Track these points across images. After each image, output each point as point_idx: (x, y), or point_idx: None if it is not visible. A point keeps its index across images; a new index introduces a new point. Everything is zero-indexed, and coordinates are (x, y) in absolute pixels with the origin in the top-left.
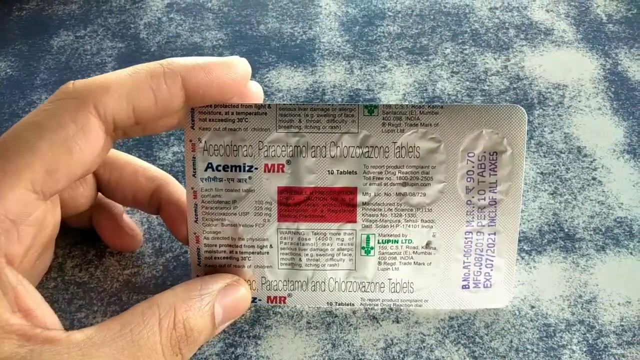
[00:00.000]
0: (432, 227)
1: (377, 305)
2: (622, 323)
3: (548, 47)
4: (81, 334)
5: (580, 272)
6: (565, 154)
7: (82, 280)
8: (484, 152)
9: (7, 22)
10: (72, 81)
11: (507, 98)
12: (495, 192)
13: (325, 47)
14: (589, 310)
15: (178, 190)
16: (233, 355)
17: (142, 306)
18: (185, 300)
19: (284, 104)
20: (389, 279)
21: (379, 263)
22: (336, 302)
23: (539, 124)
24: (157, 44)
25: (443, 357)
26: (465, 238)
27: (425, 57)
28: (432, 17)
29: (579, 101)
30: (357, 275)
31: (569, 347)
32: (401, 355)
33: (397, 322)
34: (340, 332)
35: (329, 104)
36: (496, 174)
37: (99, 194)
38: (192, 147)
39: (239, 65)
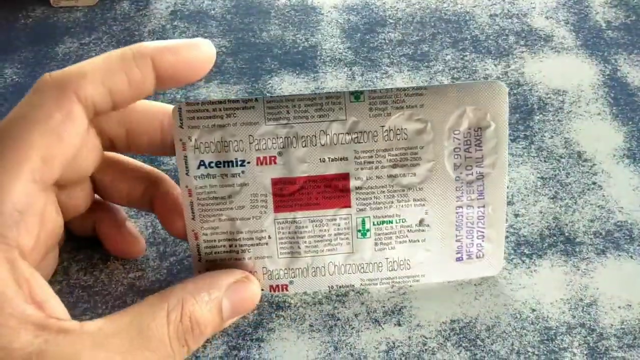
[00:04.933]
0: (424, 205)
1: (377, 284)
2: (622, 326)
3: (548, 53)
4: (93, 324)
5: (580, 275)
6: (565, 158)
7: (86, 284)
8: (469, 129)
9: (14, 30)
10: (48, 73)
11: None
12: (482, 167)
13: (327, 53)
14: (589, 314)
15: (170, 185)
16: (236, 358)
17: (152, 299)
18: (194, 294)
19: (271, 97)
20: (386, 258)
21: (376, 244)
22: (337, 285)
23: (539, 129)
24: None
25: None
26: (457, 213)
27: (426, 64)
28: (432, 24)
29: (579, 106)
30: (355, 257)
31: (570, 350)
32: (403, 358)
33: (399, 325)
34: (343, 335)
35: (316, 94)
36: (482, 149)
37: (99, 198)
38: (183, 146)
39: (204, 46)
